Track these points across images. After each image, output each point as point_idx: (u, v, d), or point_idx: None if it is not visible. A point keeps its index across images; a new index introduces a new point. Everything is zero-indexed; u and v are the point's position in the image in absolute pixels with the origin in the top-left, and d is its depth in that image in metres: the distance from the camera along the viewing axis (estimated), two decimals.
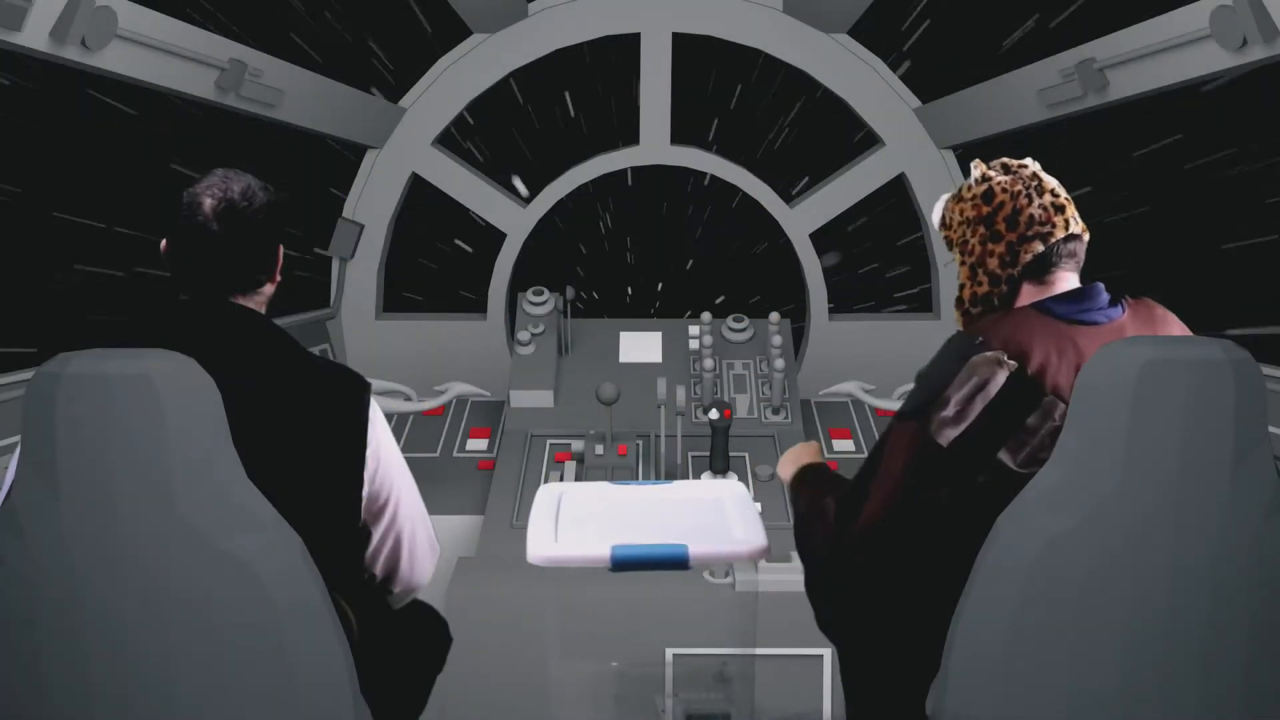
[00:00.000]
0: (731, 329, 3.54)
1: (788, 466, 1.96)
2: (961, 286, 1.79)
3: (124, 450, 1.29)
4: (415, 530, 1.84)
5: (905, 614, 1.63)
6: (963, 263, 1.78)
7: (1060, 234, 1.73)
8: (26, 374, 2.37)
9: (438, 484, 3.03)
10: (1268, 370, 2.50)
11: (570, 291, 3.42)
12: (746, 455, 3.12)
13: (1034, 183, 1.76)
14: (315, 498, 1.60)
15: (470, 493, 3.01)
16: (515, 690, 2.36)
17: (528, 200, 3.69)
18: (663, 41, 3.53)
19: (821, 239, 3.72)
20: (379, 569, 1.82)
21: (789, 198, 3.69)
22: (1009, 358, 1.56)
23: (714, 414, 2.86)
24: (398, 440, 3.16)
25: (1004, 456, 1.53)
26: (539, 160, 4.14)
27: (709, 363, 3.23)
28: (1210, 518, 1.29)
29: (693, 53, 3.63)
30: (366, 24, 3.98)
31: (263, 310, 1.72)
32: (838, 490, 1.77)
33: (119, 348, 1.35)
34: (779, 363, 3.24)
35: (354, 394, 1.69)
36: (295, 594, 1.37)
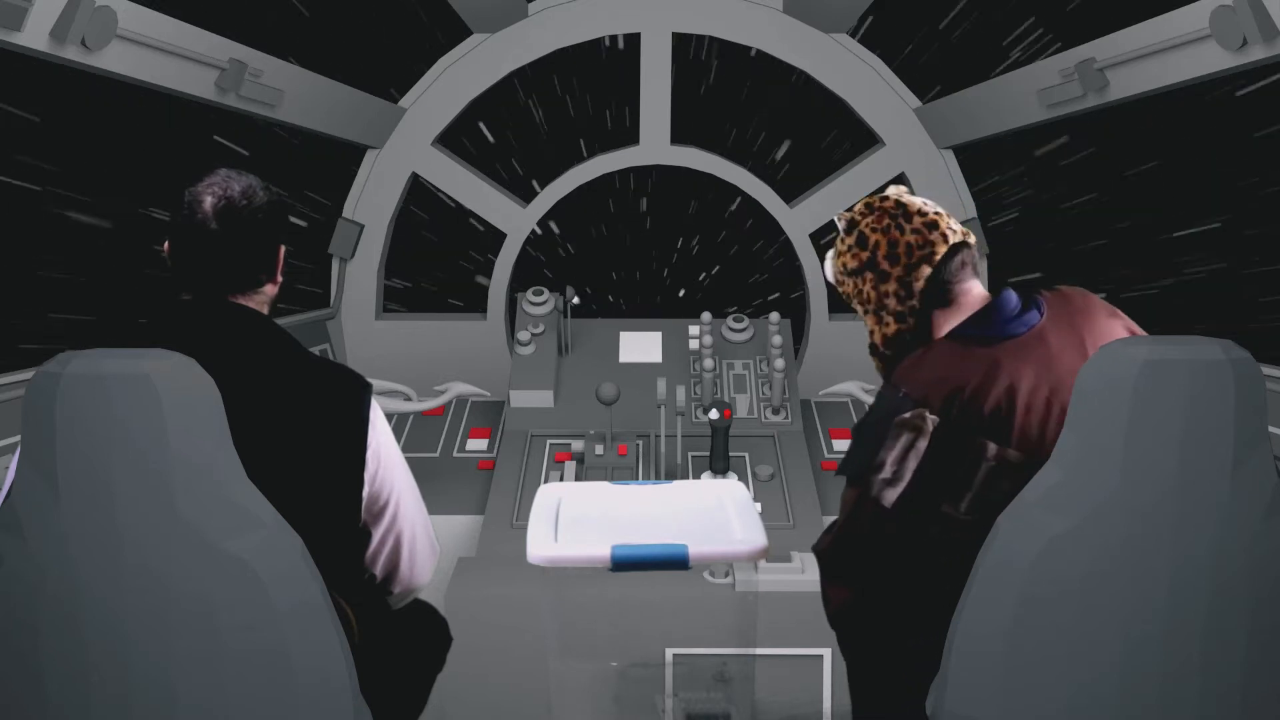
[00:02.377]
0: (731, 329, 3.54)
1: None
2: (871, 333, 1.82)
3: (124, 450, 1.29)
4: (416, 531, 1.83)
5: (896, 618, 1.64)
6: (865, 312, 1.81)
7: (941, 249, 1.72)
8: (26, 374, 2.37)
9: (438, 484, 3.03)
10: (1268, 370, 2.50)
11: (570, 291, 3.42)
12: (746, 455, 3.12)
13: (898, 211, 1.75)
14: (315, 498, 1.60)
15: (470, 493, 3.01)
16: (515, 690, 2.36)
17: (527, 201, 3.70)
18: (663, 41, 3.53)
19: (821, 238, 3.72)
20: (379, 569, 1.82)
21: (789, 198, 3.69)
22: (941, 397, 1.56)
23: (714, 414, 2.86)
24: (398, 440, 3.16)
25: (948, 509, 1.55)
26: (539, 160, 4.14)
27: (709, 363, 3.24)
28: (1210, 518, 1.29)
29: (692, 53, 3.64)
30: (366, 24, 3.97)
31: (265, 310, 1.72)
32: None
33: (119, 348, 1.35)
34: (779, 363, 3.24)
35: (354, 394, 1.69)
36: (295, 594, 1.37)
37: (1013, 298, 1.68)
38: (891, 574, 1.64)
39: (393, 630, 1.88)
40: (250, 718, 1.36)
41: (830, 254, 1.88)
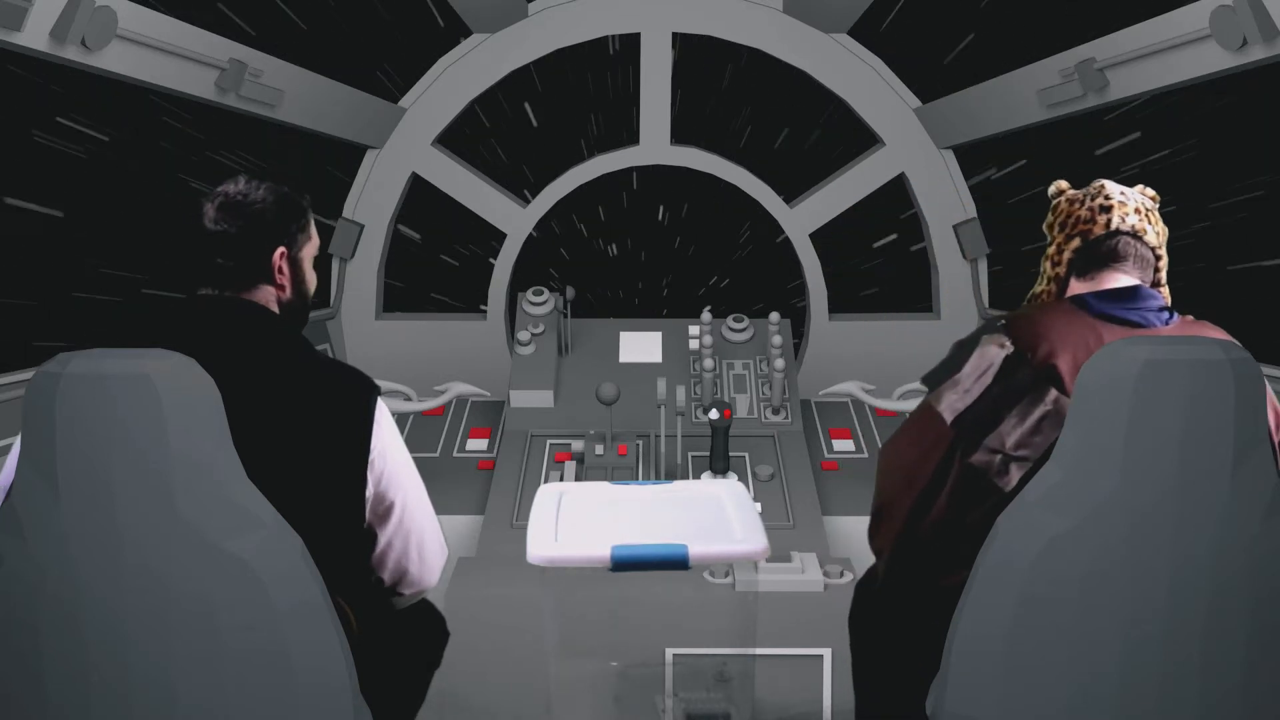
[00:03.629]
0: (731, 329, 3.54)
1: None
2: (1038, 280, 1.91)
3: (124, 450, 1.29)
4: (425, 534, 1.83)
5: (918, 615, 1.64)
6: (1047, 260, 1.89)
7: (1099, 230, 1.78)
8: (26, 374, 2.37)
9: (438, 484, 3.01)
10: (1268, 370, 2.50)
11: (570, 291, 3.42)
12: (746, 455, 3.12)
13: (1093, 191, 1.85)
14: (316, 498, 1.60)
15: (470, 493, 3.01)
16: (515, 690, 2.36)
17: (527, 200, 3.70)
18: (663, 41, 3.53)
19: (823, 239, 3.72)
20: (388, 573, 1.81)
21: (789, 198, 3.69)
22: (1021, 344, 1.65)
23: (714, 414, 2.85)
24: None
25: (994, 439, 1.61)
26: (539, 160, 4.14)
27: (709, 363, 3.23)
28: (1210, 518, 1.29)
29: (692, 52, 3.64)
30: (366, 24, 3.97)
31: (274, 308, 1.74)
32: None
33: (119, 348, 1.35)
34: (779, 363, 3.24)
35: (359, 395, 1.69)
36: (295, 594, 1.36)
37: (1154, 295, 1.75)
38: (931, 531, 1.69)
39: (391, 626, 1.87)
40: (250, 718, 1.36)
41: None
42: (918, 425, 1.76)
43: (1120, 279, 1.77)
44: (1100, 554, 1.31)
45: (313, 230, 1.84)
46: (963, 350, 1.74)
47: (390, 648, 1.85)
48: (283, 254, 1.75)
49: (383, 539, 1.77)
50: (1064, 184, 1.92)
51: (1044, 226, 1.91)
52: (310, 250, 1.83)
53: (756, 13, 3.50)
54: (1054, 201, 1.90)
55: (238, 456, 1.36)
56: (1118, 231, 1.78)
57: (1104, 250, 1.78)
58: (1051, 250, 1.86)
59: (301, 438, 1.61)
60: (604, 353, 3.49)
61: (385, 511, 1.75)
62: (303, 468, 1.59)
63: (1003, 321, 1.72)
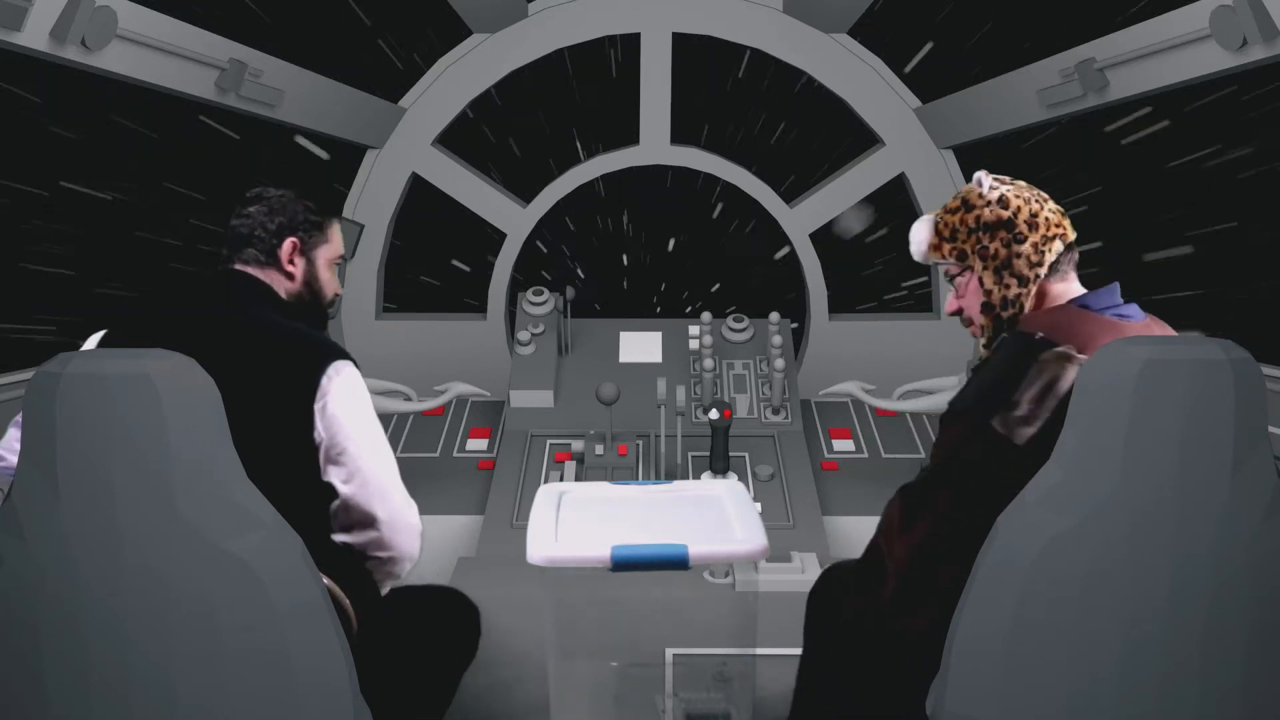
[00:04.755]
0: (731, 329, 3.54)
1: None
2: (988, 292, 1.83)
3: (124, 450, 1.29)
4: (387, 491, 1.85)
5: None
6: (985, 268, 1.83)
7: (1070, 236, 1.83)
8: (26, 374, 2.37)
9: (438, 484, 3.03)
10: (1268, 370, 2.50)
11: (570, 291, 3.42)
12: (746, 455, 3.12)
13: (1036, 191, 1.85)
14: (266, 453, 1.61)
15: (470, 493, 3.01)
16: (515, 690, 2.36)
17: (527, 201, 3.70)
18: (663, 41, 3.53)
19: (822, 239, 3.72)
20: (354, 536, 1.84)
21: (789, 198, 3.69)
22: (1078, 347, 1.61)
23: (714, 414, 2.85)
24: (397, 440, 3.15)
25: None
26: (539, 160, 4.14)
27: (709, 363, 3.23)
28: (1210, 517, 1.29)
29: (692, 52, 3.64)
30: (366, 24, 3.98)
31: (279, 291, 1.94)
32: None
33: (119, 348, 1.35)
34: (779, 363, 3.24)
35: (309, 360, 1.78)
36: (295, 594, 1.36)
37: (1119, 291, 1.78)
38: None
39: (423, 617, 1.90)
40: (250, 718, 1.36)
41: (933, 216, 1.95)
42: (958, 469, 1.64)
43: (1074, 283, 1.83)
44: (1100, 554, 1.31)
45: (333, 237, 2.05)
46: (998, 372, 1.65)
47: (422, 639, 1.88)
48: (294, 245, 1.96)
49: (342, 493, 1.81)
50: (984, 173, 1.88)
51: (980, 215, 1.82)
52: (326, 252, 2.03)
53: (756, 13, 3.50)
54: (994, 193, 1.83)
55: (238, 456, 1.36)
56: (1073, 242, 1.84)
57: (1071, 258, 1.83)
58: (1025, 250, 1.79)
59: (249, 394, 1.67)
60: (604, 353, 3.49)
61: (339, 468, 1.80)
62: (252, 421, 1.61)
63: (1040, 335, 1.64)
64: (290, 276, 1.97)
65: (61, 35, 2.26)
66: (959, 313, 1.92)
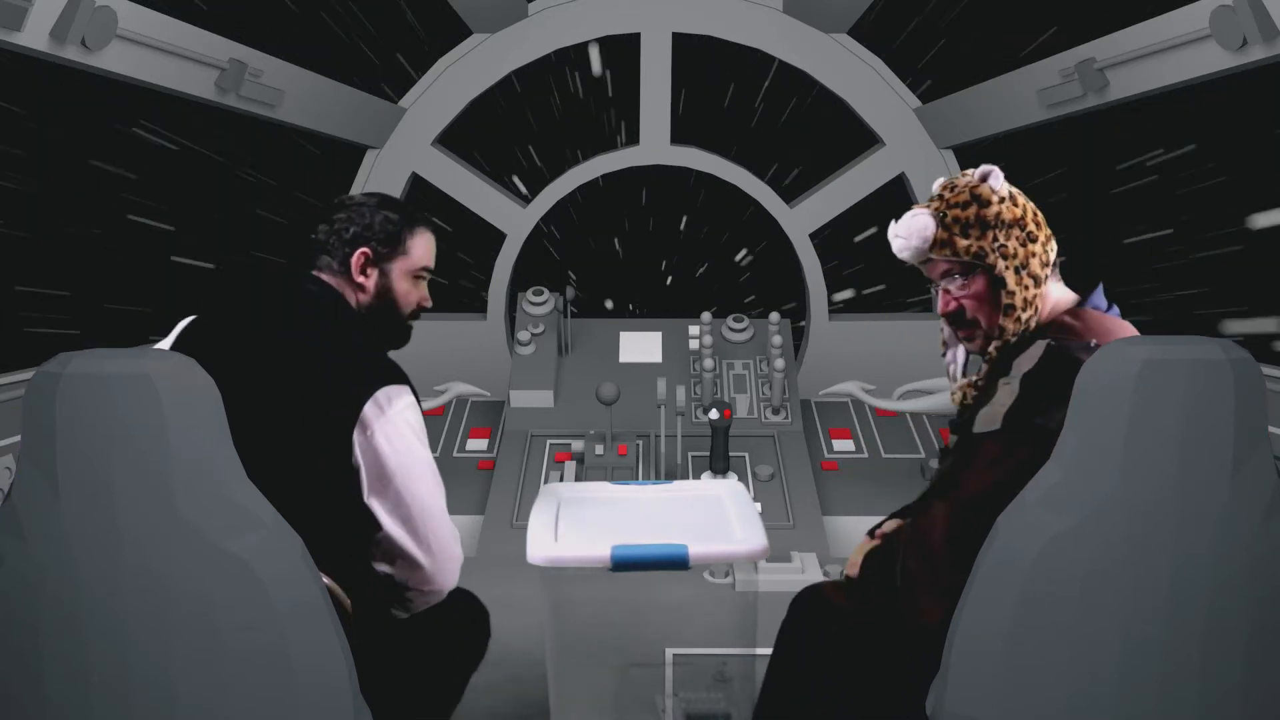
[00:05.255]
0: (731, 329, 3.54)
1: (855, 558, 1.88)
2: (1011, 294, 1.73)
3: (124, 450, 1.29)
4: (432, 527, 1.76)
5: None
6: (1007, 267, 1.73)
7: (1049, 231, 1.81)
8: (26, 374, 2.37)
9: None
10: (1268, 370, 2.50)
11: (570, 291, 3.42)
12: (746, 455, 3.12)
13: (1012, 189, 1.80)
14: (298, 473, 1.61)
15: (470, 493, 3.01)
16: (515, 690, 2.36)
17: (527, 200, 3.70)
18: (663, 41, 3.53)
19: (823, 238, 3.72)
20: (396, 569, 1.76)
21: (789, 198, 3.69)
22: None
23: (714, 414, 2.86)
24: None
25: None
26: (538, 160, 4.14)
27: (709, 363, 3.23)
28: (1210, 518, 1.29)
29: (693, 52, 3.64)
30: (366, 24, 3.98)
31: (349, 297, 1.86)
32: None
33: (121, 347, 1.35)
34: (779, 363, 3.24)
35: (356, 384, 1.69)
36: (295, 594, 1.36)
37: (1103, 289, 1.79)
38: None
39: (434, 618, 1.86)
40: (250, 718, 1.36)
41: (931, 207, 1.81)
42: (991, 470, 1.56)
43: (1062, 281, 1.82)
44: (1100, 554, 1.31)
45: (414, 248, 1.93)
46: (1054, 385, 1.51)
47: (432, 641, 1.85)
48: (364, 255, 1.86)
49: (384, 526, 1.72)
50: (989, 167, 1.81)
51: (999, 212, 1.75)
52: (404, 264, 1.92)
53: (756, 13, 3.50)
54: (1005, 189, 1.77)
55: (238, 456, 1.36)
56: None
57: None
58: (1037, 249, 1.75)
59: (292, 410, 1.64)
60: (604, 353, 3.49)
61: (383, 500, 1.71)
62: (292, 439, 1.62)
63: (1094, 343, 1.58)
64: (362, 289, 1.88)
65: (61, 35, 2.26)
66: (957, 315, 1.81)
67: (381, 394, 1.70)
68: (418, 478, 1.73)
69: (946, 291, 1.81)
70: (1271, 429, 1.34)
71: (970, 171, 1.82)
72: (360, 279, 1.87)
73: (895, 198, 3.69)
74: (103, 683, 1.33)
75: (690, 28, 3.53)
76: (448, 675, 1.97)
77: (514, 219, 3.69)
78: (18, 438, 1.37)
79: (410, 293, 1.96)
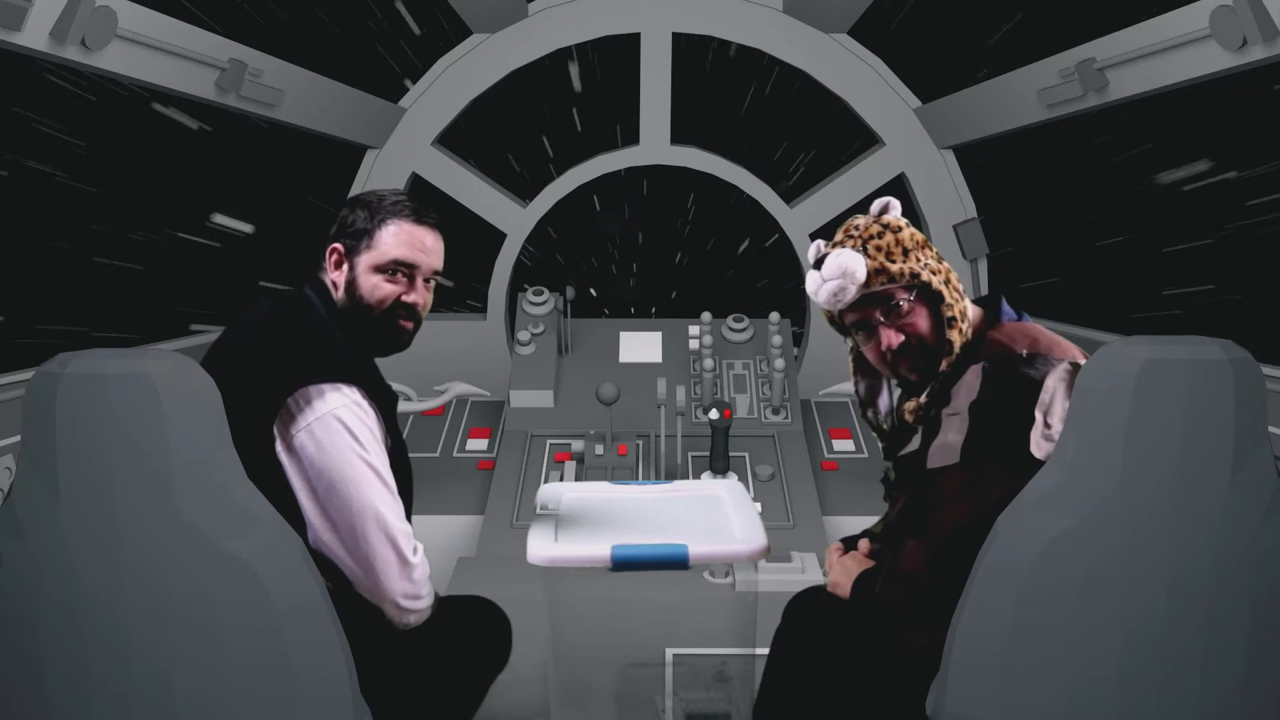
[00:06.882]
0: (731, 329, 3.54)
1: (843, 580, 1.85)
2: (949, 306, 1.75)
3: (124, 450, 1.29)
4: (365, 549, 1.65)
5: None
6: (943, 283, 1.76)
7: None
8: (26, 374, 2.37)
9: (438, 484, 3.03)
10: (1268, 370, 2.50)
11: (570, 291, 3.42)
12: (746, 455, 3.12)
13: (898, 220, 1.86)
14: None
15: (470, 493, 3.01)
16: (515, 690, 2.36)
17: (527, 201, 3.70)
18: (663, 41, 3.53)
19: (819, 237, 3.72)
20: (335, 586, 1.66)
21: (789, 198, 3.70)
22: (1073, 356, 1.63)
23: (714, 414, 2.86)
24: None
25: None
26: (538, 159, 4.14)
27: (709, 363, 3.23)
28: (1210, 518, 1.29)
29: (692, 52, 3.64)
30: (366, 24, 3.98)
31: (335, 293, 1.84)
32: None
33: (120, 348, 1.35)
34: (779, 363, 3.24)
35: (284, 381, 1.66)
36: (295, 594, 1.36)
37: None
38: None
39: (457, 627, 1.84)
40: (250, 718, 1.36)
41: (846, 245, 1.81)
42: (968, 500, 1.58)
43: None
44: (1100, 554, 1.31)
45: (379, 243, 1.83)
46: (1011, 406, 1.56)
47: (451, 650, 1.81)
48: (334, 251, 1.85)
49: (310, 536, 1.65)
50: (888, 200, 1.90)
51: (916, 238, 1.81)
52: (368, 259, 1.83)
53: (756, 13, 3.50)
54: (902, 222, 1.83)
55: (238, 456, 1.36)
56: None
57: None
58: (945, 264, 1.81)
59: (235, 405, 1.51)
60: (604, 353, 3.49)
61: (311, 505, 1.65)
62: (237, 430, 1.49)
63: (1041, 355, 1.63)
64: (336, 286, 1.84)
65: (61, 35, 2.26)
66: (902, 348, 1.77)
67: (313, 389, 1.64)
68: (350, 481, 1.64)
69: (887, 328, 1.77)
70: (1271, 429, 1.34)
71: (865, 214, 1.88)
72: (334, 276, 1.84)
73: (895, 197, 3.69)
74: (103, 683, 1.33)
75: (690, 28, 3.53)
76: (466, 683, 1.90)
77: (514, 219, 3.69)
78: (18, 438, 1.37)
79: (378, 287, 1.82)
